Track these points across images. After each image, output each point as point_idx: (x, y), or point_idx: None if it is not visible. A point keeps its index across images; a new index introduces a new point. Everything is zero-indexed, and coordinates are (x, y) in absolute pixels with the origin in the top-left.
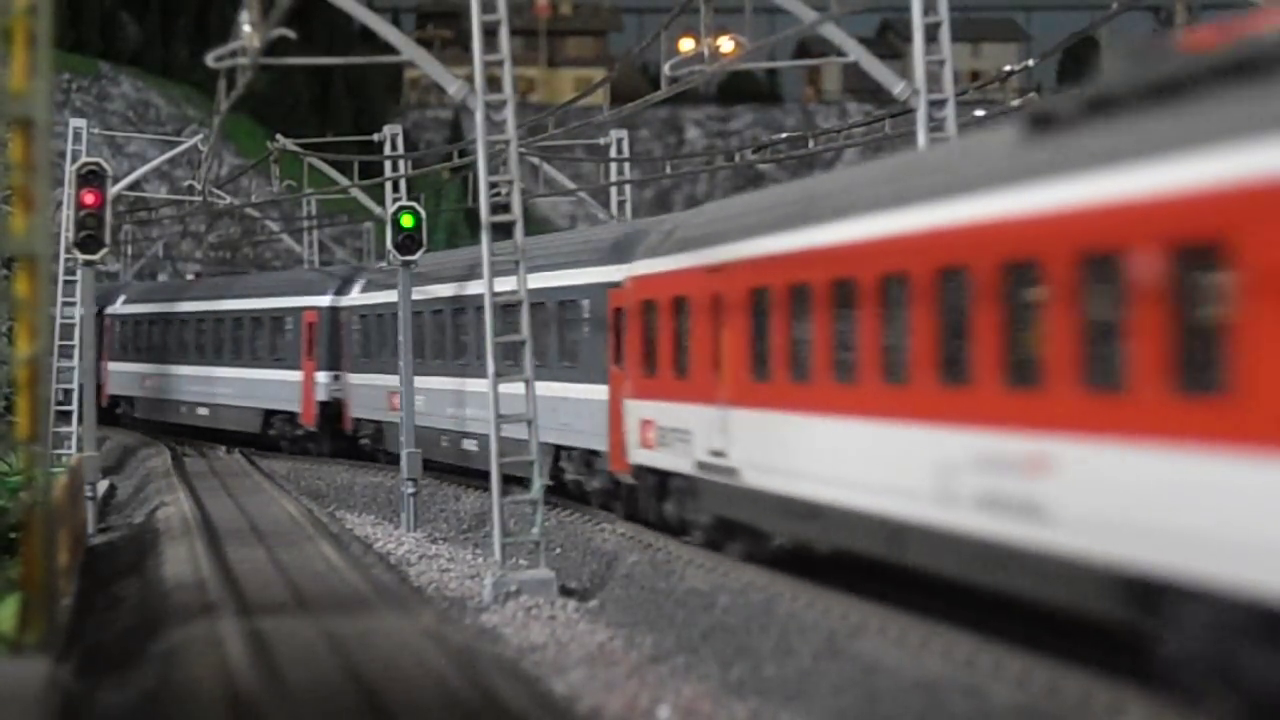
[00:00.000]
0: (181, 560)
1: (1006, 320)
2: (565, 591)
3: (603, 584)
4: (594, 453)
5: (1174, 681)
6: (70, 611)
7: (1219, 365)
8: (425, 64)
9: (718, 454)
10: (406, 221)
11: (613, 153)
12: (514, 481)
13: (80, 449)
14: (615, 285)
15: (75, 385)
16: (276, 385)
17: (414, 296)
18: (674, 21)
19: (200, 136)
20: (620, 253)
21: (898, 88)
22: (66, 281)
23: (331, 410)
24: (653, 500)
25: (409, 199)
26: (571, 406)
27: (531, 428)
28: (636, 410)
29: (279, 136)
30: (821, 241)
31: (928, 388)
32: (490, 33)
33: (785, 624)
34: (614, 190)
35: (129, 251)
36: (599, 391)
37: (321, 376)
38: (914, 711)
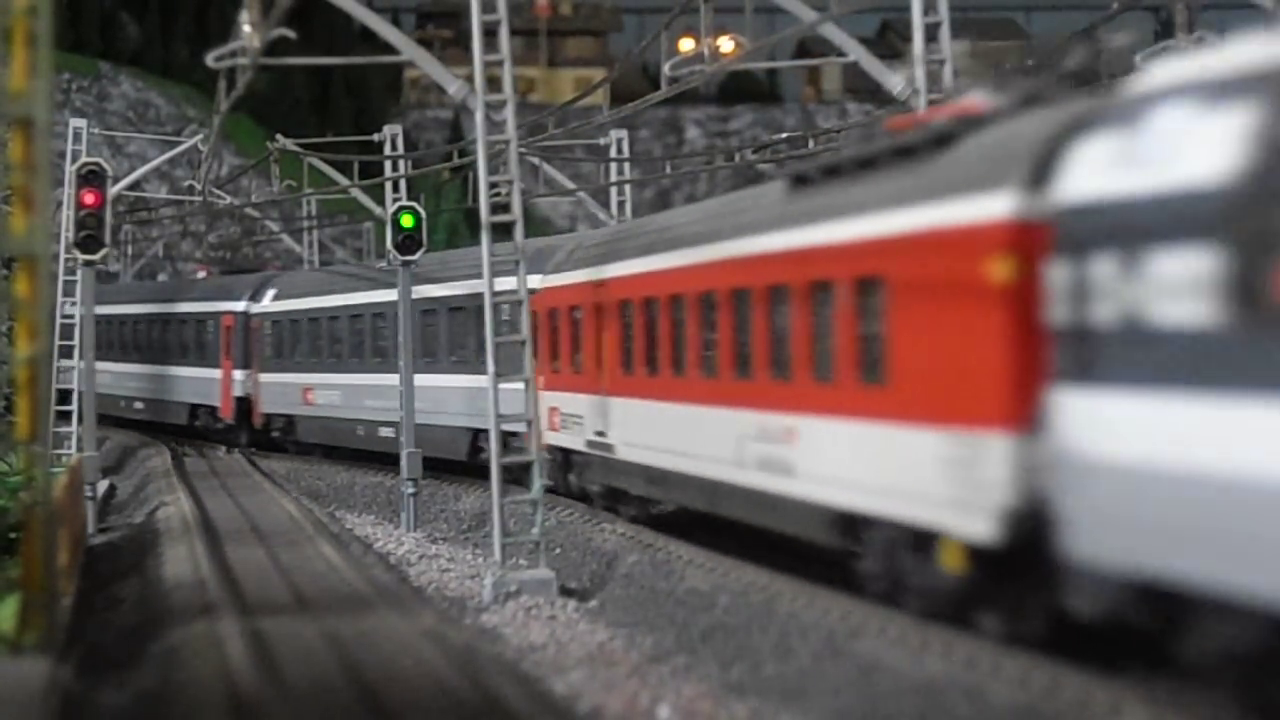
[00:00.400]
0: (181, 560)
1: (771, 329)
2: (565, 591)
3: (603, 584)
4: (513, 434)
5: (867, 588)
6: (70, 611)
7: (882, 363)
8: (425, 64)
9: (600, 434)
10: (406, 221)
11: (613, 153)
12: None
13: (80, 449)
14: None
15: (75, 385)
16: (201, 382)
17: (338, 303)
18: (674, 21)
19: (200, 136)
20: (536, 265)
21: (897, 87)
22: (66, 281)
23: (248, 405)
24: (560, 473)
25: (409, 199)
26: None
27: (531, 428)
28: (545, 400)
29: (279, 136)
30: (661, 266)
31: (728, 380)
32: (490, 33)
33: (785, 624)
34: (614, 190)
35: (129, 251)
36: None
37: (238, 374)
38: (914, 711)
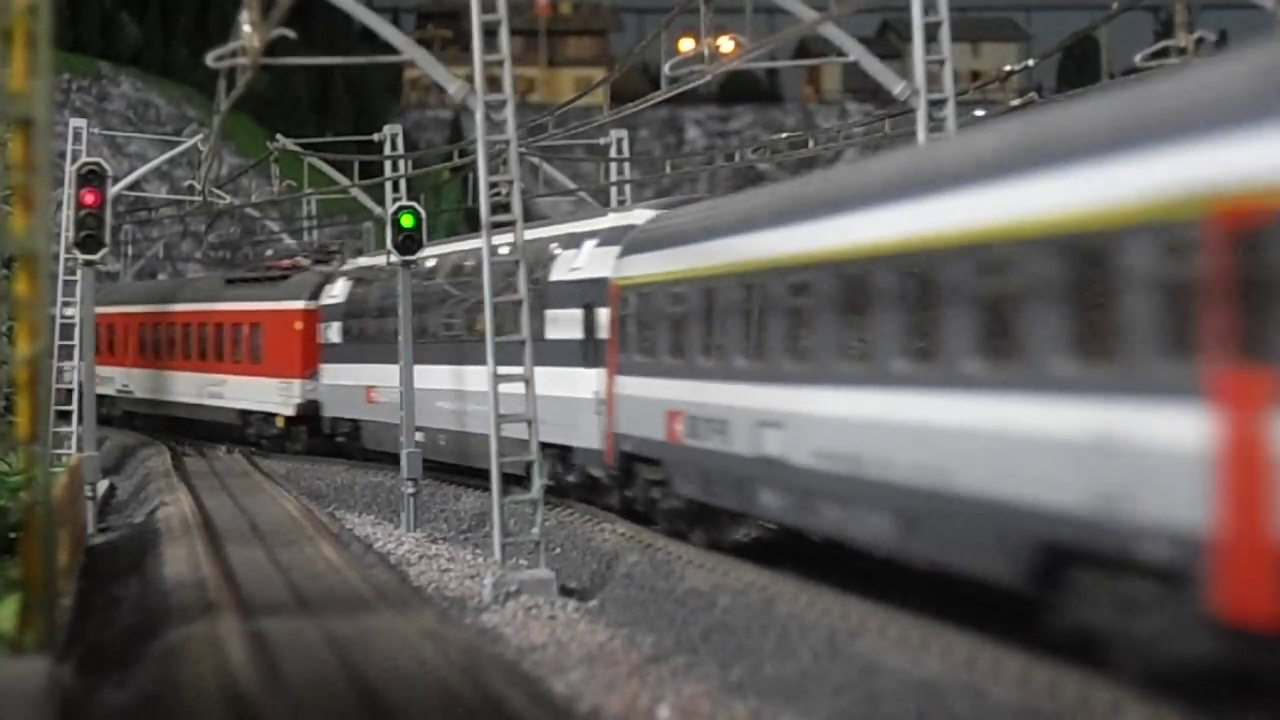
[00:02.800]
0: (181, 560)
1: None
2: (565, 591)
3: (603, 584)
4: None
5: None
6: (70, 611)
7: (260, 351)
8: (425, 64)
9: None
10: (406, 221)
11: (613, 153)
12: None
13: (80, 449)
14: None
15: (75, 385)
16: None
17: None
18: (674, 21)
19: (200, 136)
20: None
21: (897, 88)
22: (66, 281)
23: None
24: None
25: (409, 199)
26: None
27: (531, 428)
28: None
29: (279, 136)
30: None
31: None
32: (490, 33)
33: (785, 624)
34: (614, 190)
35: (129, 251)
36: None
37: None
38: (914, 711)
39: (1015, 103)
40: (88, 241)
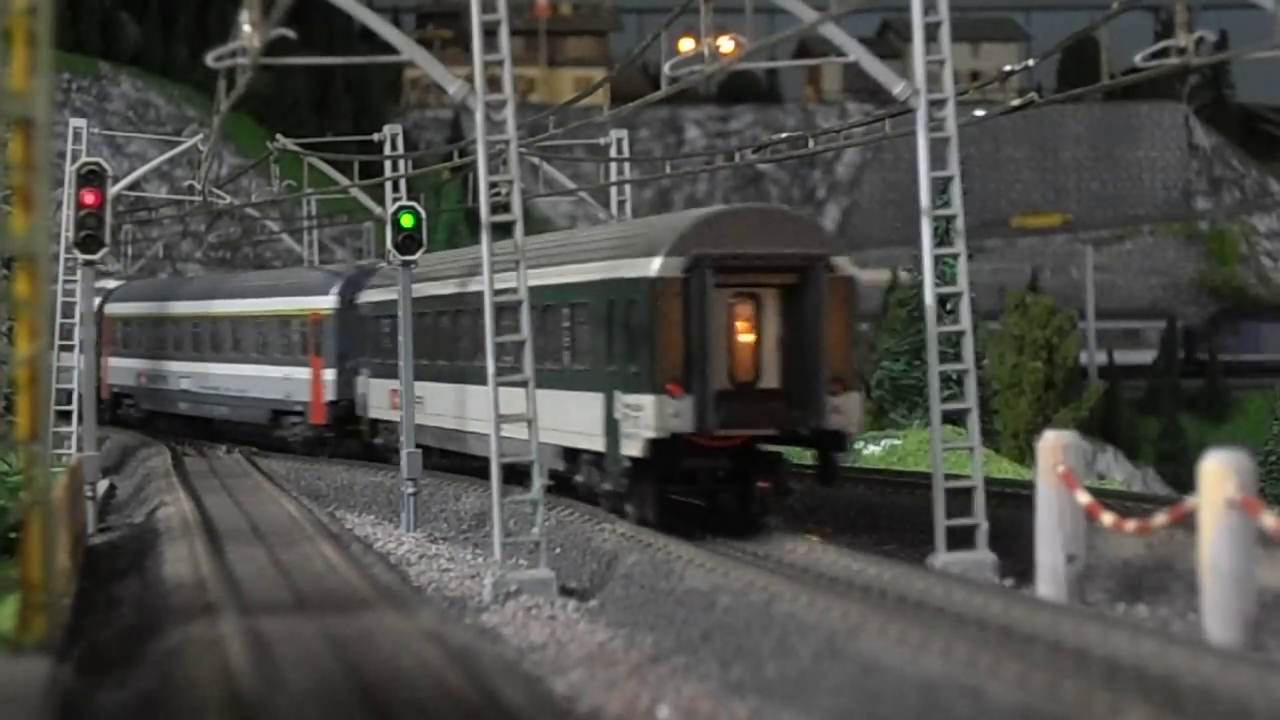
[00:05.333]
0: (181, 560)
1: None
2: (565, 591)
3: (603, 584)
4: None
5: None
6: (70, 611)
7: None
8: (425, 64)
9: None
10: (406, 221)
11: (613, 153)
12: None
13: (80, 449)
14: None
15: (75, 385)
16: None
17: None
18: (674, 21)
19: (200, 136)
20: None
21: (898, 88)
22: (66, 281)
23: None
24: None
25: (409, 199)
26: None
27: (531, 428)
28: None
29: (279, 136)
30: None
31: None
32: (490, 33)
33: (785, 624)
34: (614, 190)
35: (129, 251)
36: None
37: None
38: (914, 711)
39: (1015, 103)
40: (88, 241)
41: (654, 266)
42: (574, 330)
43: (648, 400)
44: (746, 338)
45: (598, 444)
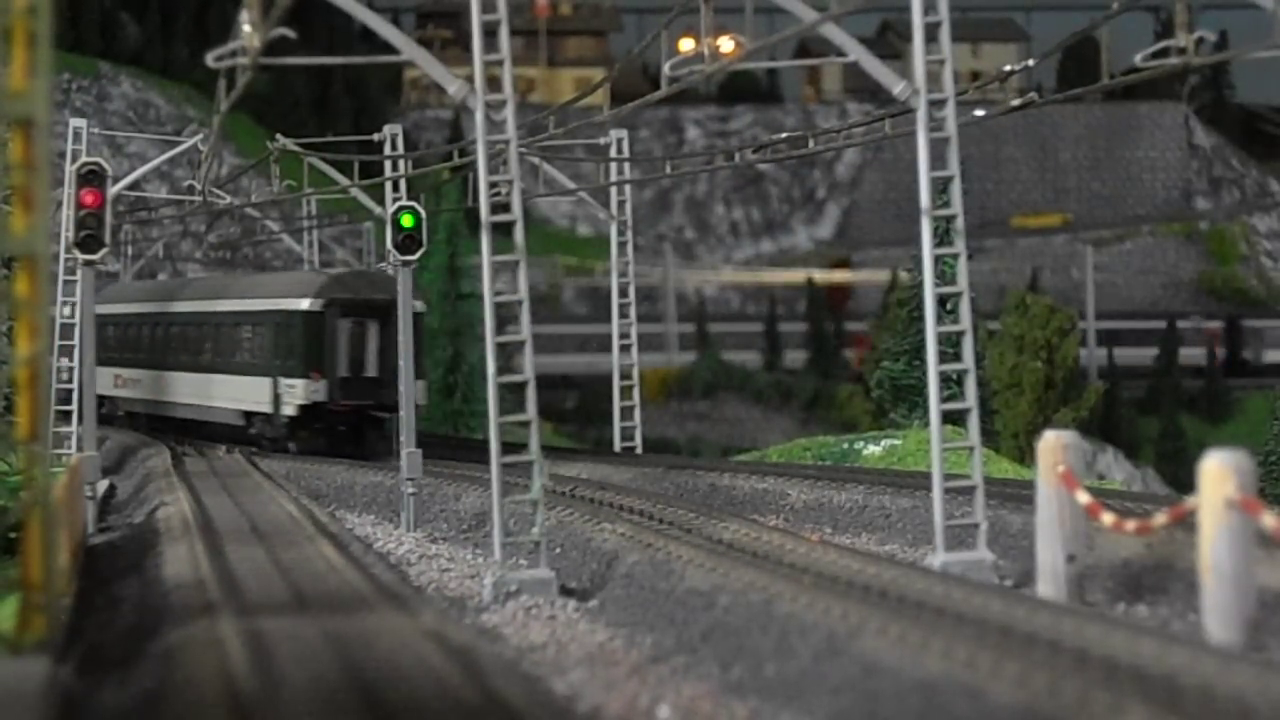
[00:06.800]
0: (181, 560)
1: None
2: (565, 591)
3: (603, 584)
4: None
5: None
6: (70, 611)
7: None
8: (425, 64)
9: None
10: (406, 221)
11: (613, 153)
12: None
13: (80, 449)
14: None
15: (75, 385)
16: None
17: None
18: (674, 21)
19: (200, 136)
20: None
21: (898, 88)
22: (66, 281)
23: None
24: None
25: (409, 199)
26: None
27: (532, 427)
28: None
29: (279, 136)
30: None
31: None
32: (490, 33)
33: (785, 624)
34: (614, 190)
35: (129, 251)
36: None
37: None
38: (914, 711)
39: (1015, 103)
40: (88, 241)
41: (305, 304)
42: (254, 338)
43: (300, 382)
44: (358, 347)
45: (267, 408)
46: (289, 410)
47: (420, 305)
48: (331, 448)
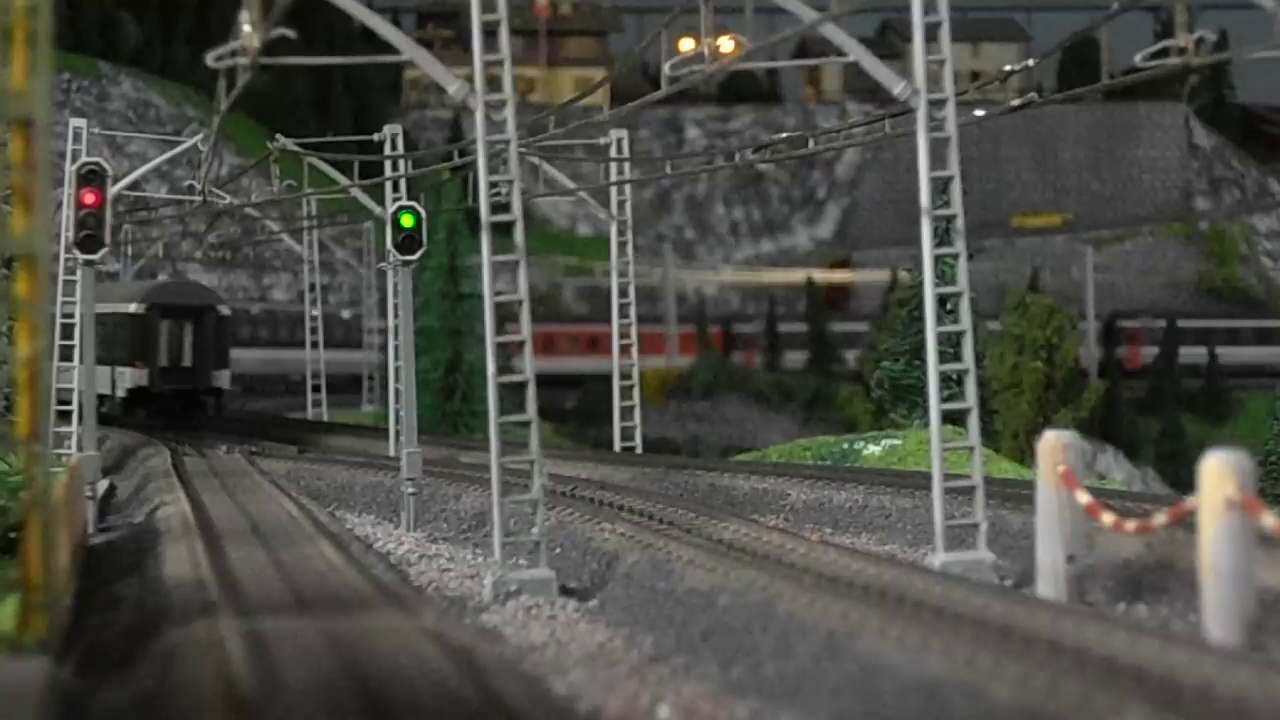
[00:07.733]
0: (181, 560)
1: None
2: (565, 591)
3: (603, 584)
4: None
5: None
6: (70, 611)
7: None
8: (425, 64)
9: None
10: (406, 221)
11: (613, 153)
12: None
13: (80, 449)
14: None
15: (75, 385)
16: None
17: None
18: (674, 21)
19: (200, 136)
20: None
21: (898, 88)
22: (66, 281)
23: None
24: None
25: (409, 199)
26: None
27: (532, 427)
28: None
29: (279, 136)
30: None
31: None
32: (490, 33)
33: (785, 624)
34: (614, 190)
35: (129, 251)
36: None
37: None
38: (914, 711)
39: (1015, 103)
40: (88, 241)
41: (133, 307)
42: (108, 335)
43: (129, 370)
44: (175, 343)
45: (108, 391)
46: (121, 393)
47: (225, 309)
48: (167, 423)
